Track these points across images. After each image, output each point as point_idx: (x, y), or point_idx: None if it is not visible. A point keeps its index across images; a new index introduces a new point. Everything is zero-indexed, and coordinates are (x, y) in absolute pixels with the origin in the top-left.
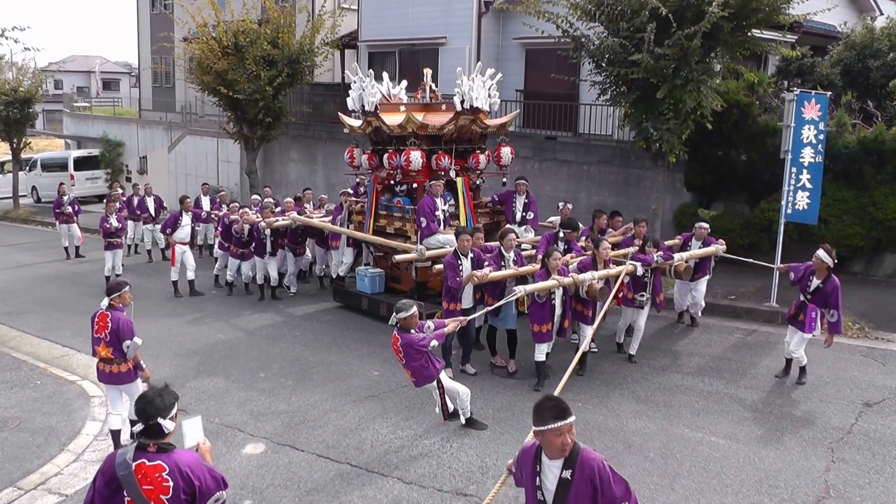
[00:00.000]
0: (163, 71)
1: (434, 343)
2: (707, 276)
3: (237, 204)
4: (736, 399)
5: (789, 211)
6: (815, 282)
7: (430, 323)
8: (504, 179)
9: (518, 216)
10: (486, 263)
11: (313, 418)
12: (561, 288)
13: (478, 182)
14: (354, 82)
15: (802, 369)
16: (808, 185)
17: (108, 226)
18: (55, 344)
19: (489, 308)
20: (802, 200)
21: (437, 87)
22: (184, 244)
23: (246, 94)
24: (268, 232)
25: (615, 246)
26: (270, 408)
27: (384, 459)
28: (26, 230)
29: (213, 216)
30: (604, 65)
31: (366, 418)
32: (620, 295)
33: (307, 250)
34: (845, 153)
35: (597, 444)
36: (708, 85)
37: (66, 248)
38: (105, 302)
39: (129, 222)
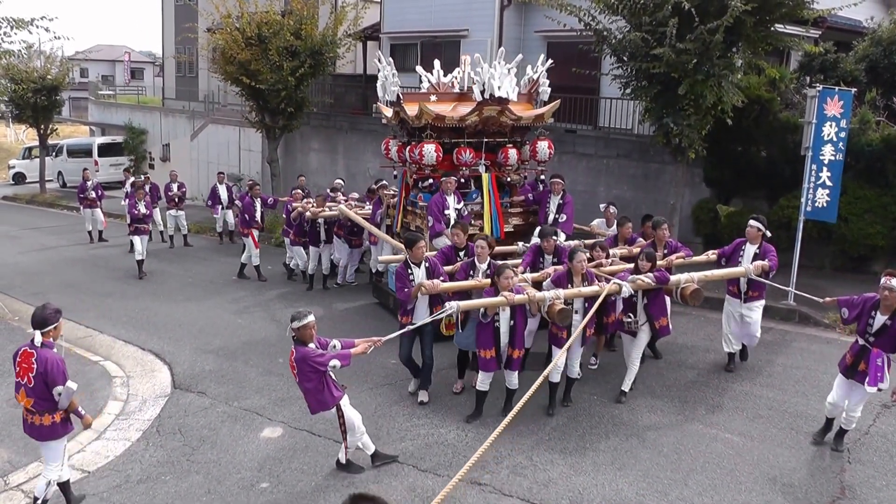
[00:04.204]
0: (186, 61)
1: (335, 363)
2: (762, 301)
3: (300, 192)
4: (751, 396)
5: (809, 209)
6: (881, 318)
7: (335, 342)
8: (542, 177)
9: (550, 218)
10: (441, 277)
11: None
12: (507, 309)
13: (508, 179)
14: (380, 71)
15: (843, 433)
16: (828, 183)
17: (136, 212)
18: (79, 325)
19: (411, 327)
20: (822, 198)
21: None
22: (259, 229)
23: (268, 84)
24: (320, 221)
25: (631, 259)
26: (288, 393)
27: (400, 447)
28: (52, 214)
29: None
30: (625, 59)
31: (382, 405)
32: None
33: (364, 242)
34: (868, 151)
35: (611, 437)
36: (729, 80)
37: (89, 232)
38: (38, 337)
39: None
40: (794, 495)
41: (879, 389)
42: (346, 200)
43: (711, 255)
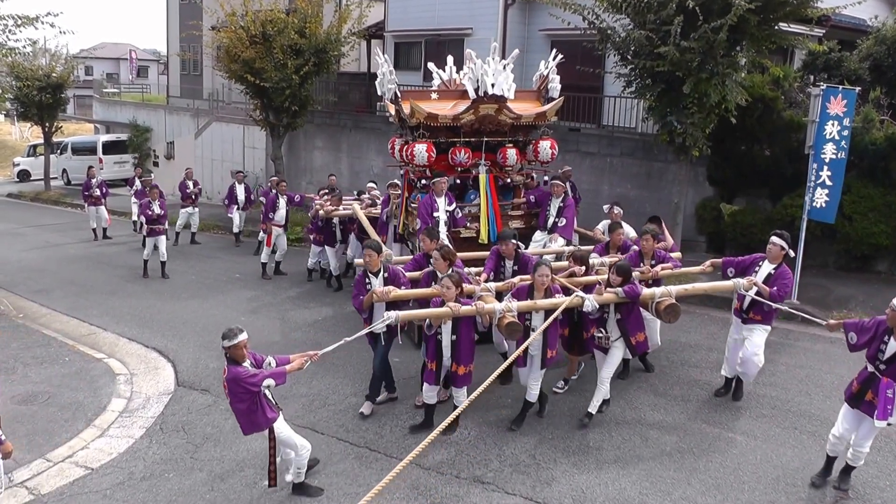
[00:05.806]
0: (191, 59)
1: (269, 383)
2: (767, 326)
3: (326, 190)
4: (754, 395)
5: (813, 207)
6: (894, 344)
7: (270, 358)
8: (546, 177)
9: (550, 221)
10: (403, 286)
11: (333, 402)
12: (449, 322)
13: (509, 180)
14: (379, 68)
15: (848, 470)
16: (829, 182)
17: (150, 213)
18: (83, 322)
19: (348, 339)
20: (822, 197)
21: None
22: (279, 227)
23: (273, 82)
24: (336, 220)
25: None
26: (291, 390)
27: (403, 444)
28: (56, 211)
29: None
30: (629, 57)
31: (385, 404)
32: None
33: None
34: (872, 150)
35: (614, 436)
36: (733, 79)
37: (93, 230)
38: None
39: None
40: (797, 495)
41: (889, 424)
42: (366, 202)
43: (709, 266)
